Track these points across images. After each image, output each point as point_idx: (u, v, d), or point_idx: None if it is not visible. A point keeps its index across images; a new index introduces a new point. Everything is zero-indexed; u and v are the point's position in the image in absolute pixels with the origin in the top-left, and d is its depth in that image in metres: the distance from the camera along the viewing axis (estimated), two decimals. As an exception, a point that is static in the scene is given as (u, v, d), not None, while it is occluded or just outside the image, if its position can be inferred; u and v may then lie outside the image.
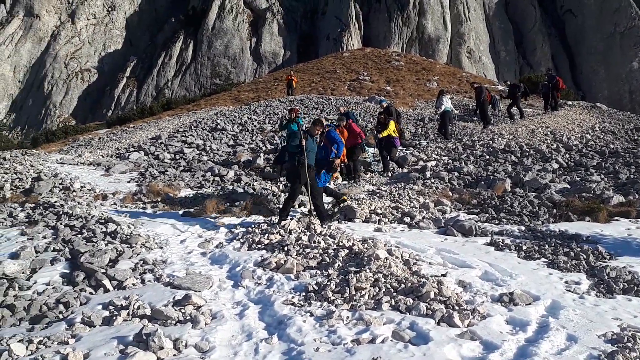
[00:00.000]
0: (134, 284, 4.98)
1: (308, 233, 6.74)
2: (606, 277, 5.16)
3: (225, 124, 19.95)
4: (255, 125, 19.36)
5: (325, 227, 7.12)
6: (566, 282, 5.10)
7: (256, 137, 17.41)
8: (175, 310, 4.26)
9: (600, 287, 4.98)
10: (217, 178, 11.35)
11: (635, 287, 4.94)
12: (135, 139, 18.98)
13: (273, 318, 4.23)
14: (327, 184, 9.01)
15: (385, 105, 13.83)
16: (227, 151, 15.35)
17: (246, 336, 3.90)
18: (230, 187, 10.18)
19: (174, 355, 3.56)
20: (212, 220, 7.83)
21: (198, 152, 15.15)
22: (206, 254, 6.17)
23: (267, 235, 6.65)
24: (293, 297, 4.65)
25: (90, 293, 4.79)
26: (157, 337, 3.57)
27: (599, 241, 6.65)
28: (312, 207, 7.61)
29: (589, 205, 8.17)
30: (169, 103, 37.19)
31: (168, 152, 15.21)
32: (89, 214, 7.44)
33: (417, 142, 15.52)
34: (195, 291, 4.73)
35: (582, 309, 4.37)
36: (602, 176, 10.40)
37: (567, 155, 12.61)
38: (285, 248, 6.07)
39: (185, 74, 55.12)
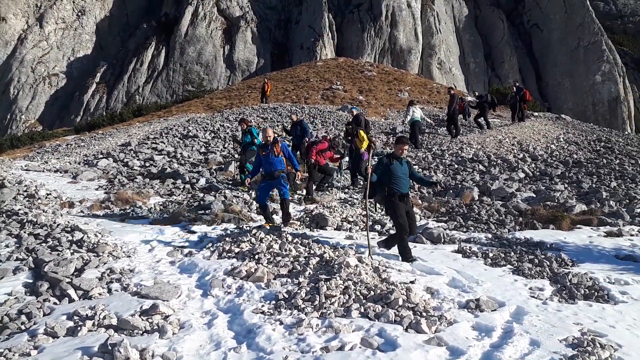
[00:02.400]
0: (100, 294, 4.87)
1: (279, 241, 6.72)
2: (568, 284, 5.33)
3: (197, 131, 19.77)
4: (227, 133, 19.25)
5: (297, 239, 7.09)
6: (530, 288, 5.25)
7: (228, 144, 17.31)
8: (143, 320, 4.19)
9: (562, 293, 5.15)
10: (187, 186, 11.23)
11: (596, 293, 5.12)
12: (104, 146, 18.62)
13: (242, 327, 4.20)
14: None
15: (355, 113, 13.86)
16: (199, 158, 15.22)
17: (214, 345, 3.87)
18: (201, 194, 10.09)
19: (140, 365, 3.50)
20: (182, 228, 7.74)
21: (169, 159, 14.97)
22: (175, 262, 6.08)
23: (237, 243, 6.60)
24: (263, 306, 4.63)
25: (55, 303, 4.66)
26: (123, 347, 3.50)
27: (562, 248, 6.87)
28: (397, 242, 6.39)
29: (553, 214, 8.43)
30: (139, 109, 36.56)
31: (138, 159, 14.97)
32: (55, 222, 7.25)
33: (387, 151, 15.70)
34: (163, 300, 4.66)
35: (545, 314, 4.50)
36: (566, 185, 10.75)
37: (533, 165, 12.98)
38: (256, 256, 6.03)
39: (157, 81, 54.36)
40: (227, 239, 6.90)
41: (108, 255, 6.00)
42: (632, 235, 7.64)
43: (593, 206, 9.12)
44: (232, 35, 57.11)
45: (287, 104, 26.87)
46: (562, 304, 4.85)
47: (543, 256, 6.33)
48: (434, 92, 32.27)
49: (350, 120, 13.39)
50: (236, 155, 15.50)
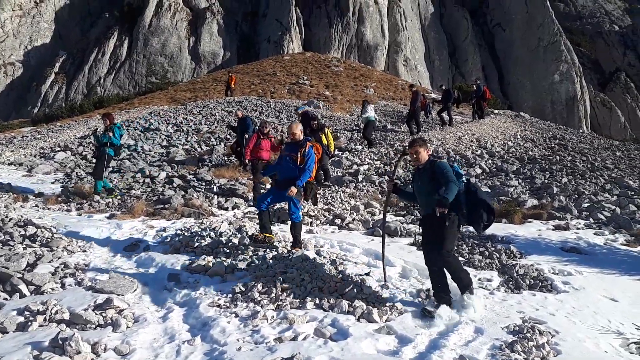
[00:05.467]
0: (53, 289, 4.80)
1: (239, 235, 6.77)
2: (515, 275, 5.59)
3: (159, 124, 19.44)
4: (190, 126, 19.02)
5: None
6: (479, 279, 5.48)
7: (191, 138, 17.12)
8: (96, 314, 4.17)
9: (509, 283, 5.40)
10: (147, 179, 11.08)
11: (540, 283, 5.38)
12: (62, 138, 18.10)
13: (197, 320, 4.24)
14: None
15: (300, 112, 13.00)
16: (160, 152, 15.00)
17: (169, 338, 3.90)
18: (161, 189, 9.98)
19: (92, 359, 3.49)
20: (140, 223, 7.66)
21: (129, 152, 14.70)
22: (132, 257, 6.04)
23: (196, 238, 6.61)
24: (219, 299, 4.67)
25: (5, 299, 4.57)
26: (74, 341, 3.49)
27: (512, 241, 7.16)
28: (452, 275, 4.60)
29: (506, 208, 8.76)
30: (100, 101, 35.71)
31: (97, 153, 14.63)
32: (7, 217, 7.07)
33: (352, 147, 15.89)
34: (118, 295, 4.64)
35: (490, 303, 4.71)
36: (520, 181, 11.14)
37: (490, 161, 13.37)
38: (214, 251, 6.07)
39: (119, 72, 52.98)
40: (185, 233, 6.89)
41: (62, 250, 5.90)
42: (578, 228, 8.03)
43: (544, 201, 9.51)
44: (198, 27, 56.20)
45: (253, 98, 26.72)
46: (508, 293, 5.08)
47: (493, 248, 6.59)
48: (399, 88, 32.71)
49: (300, 118, 12.24)
50: (204, 147, 15.33)
